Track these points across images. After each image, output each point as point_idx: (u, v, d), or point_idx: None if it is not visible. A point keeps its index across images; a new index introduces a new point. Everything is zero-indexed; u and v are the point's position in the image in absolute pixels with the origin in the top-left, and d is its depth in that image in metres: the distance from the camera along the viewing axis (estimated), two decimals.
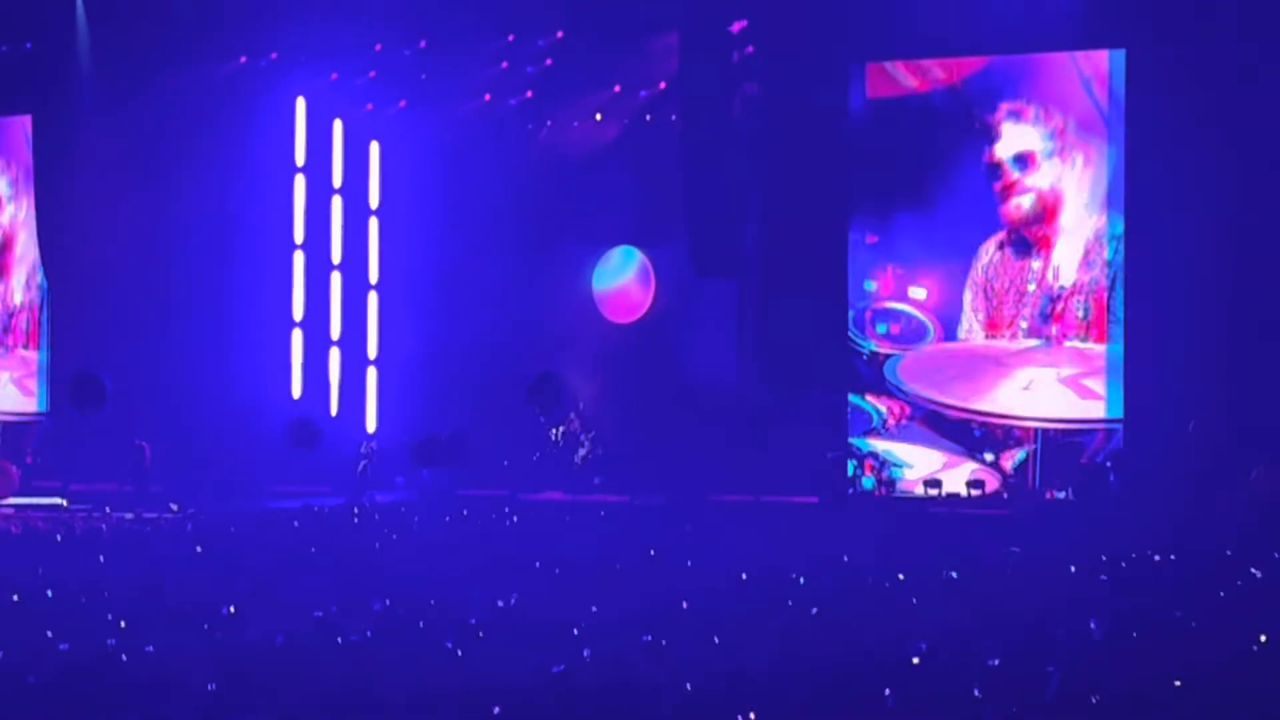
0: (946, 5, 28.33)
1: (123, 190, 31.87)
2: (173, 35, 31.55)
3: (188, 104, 32.14)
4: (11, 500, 30.61)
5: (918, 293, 29.57)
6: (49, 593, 16.22)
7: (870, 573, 17.56)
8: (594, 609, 14.76)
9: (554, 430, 32.28)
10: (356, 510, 26.66)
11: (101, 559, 19.82)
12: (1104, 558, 18.56)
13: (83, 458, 32.21)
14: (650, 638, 12.92)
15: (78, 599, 16.03)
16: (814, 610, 14.62)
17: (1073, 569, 17.89)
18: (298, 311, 34.16)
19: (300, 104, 34.02)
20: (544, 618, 14.30)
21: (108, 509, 27.94)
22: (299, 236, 34.15)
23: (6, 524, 26.63)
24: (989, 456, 28.83)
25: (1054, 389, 28.64)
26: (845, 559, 18.85)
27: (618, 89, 33.01)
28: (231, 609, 14.81)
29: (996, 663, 11.83)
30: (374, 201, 35.29)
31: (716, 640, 13.30)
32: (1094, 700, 10.90)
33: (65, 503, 29.95)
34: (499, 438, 31.82)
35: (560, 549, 19.88)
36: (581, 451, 32.10)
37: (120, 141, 32.06)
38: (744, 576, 17.08)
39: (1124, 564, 18.39)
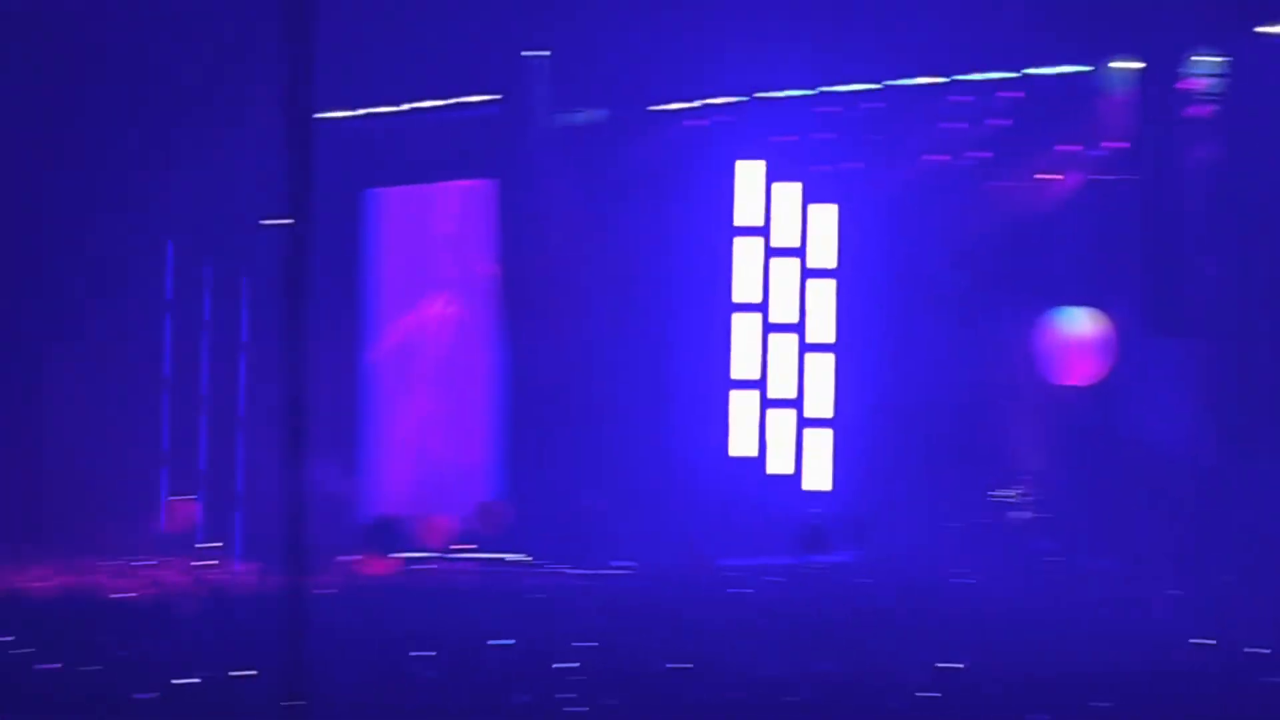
0: None
1: (575, 251, 32.49)
2: (633, 94, 32.30)
3: (639, 164, 32.65)
4: (473, 553, 31.33)
5: None
6: (497, 644, 16.53)
7: None
8: (1044, 672, 14.56)
9: (998, 494, 31.79)
10: (799, 571, 26.64)
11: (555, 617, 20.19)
12: None
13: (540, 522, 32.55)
14: (1108, 704, 12.69)
15: (528, 656, 16.30)
16: None
17: None
18: (743, 371, 34.30)
19: (751, 166, 34.27)
20: (992, 682, 14.14)
21: (566, 567, 28.51)
22: (748, 296, 34.33)
23: (463, 578, 27.30)
24: None
25: None
26: None
27: (1076, 146, 32.48)
28: (681, 666, 14.96)
29: None
30: (826, 262, 35.29)
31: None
32: None
33: (529, 559, 30.54)
34: (940, 500, 31.60)
35: (1001, 609, 19.64)
36: (1019, 514, 31.58)
37: (572, 204, 32.70)
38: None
39: None
